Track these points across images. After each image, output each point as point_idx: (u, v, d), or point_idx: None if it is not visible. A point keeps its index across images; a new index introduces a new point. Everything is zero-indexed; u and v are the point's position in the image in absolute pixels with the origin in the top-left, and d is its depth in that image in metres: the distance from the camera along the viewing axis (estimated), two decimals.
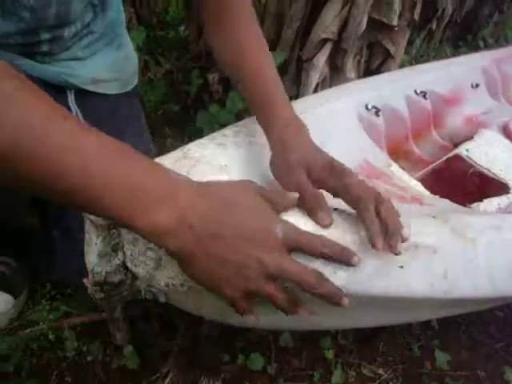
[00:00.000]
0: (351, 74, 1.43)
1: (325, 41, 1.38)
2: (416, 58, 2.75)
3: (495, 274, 0.75)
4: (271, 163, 0.74)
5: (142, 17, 2.33)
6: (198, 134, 1.48)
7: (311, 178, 0.68)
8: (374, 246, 0.60)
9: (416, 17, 1.52)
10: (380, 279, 0.65)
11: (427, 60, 2.74)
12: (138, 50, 1.97)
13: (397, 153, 1.42)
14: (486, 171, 1.32)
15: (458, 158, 1.37)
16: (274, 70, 0.83)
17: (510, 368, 1.13)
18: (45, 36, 0.86)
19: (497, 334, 1.22)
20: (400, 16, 1.43)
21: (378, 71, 1.54)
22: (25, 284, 1.11)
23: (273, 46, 1.47)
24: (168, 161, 0.68)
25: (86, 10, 0.89)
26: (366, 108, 1.21)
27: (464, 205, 1.16)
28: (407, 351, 1.13)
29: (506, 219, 0.81)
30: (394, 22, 1.39)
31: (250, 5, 0.90)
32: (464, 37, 3.04)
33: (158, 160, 0.69)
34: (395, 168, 1.09)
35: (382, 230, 0.60)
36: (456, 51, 2.90)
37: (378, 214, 0.62)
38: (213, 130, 1.50)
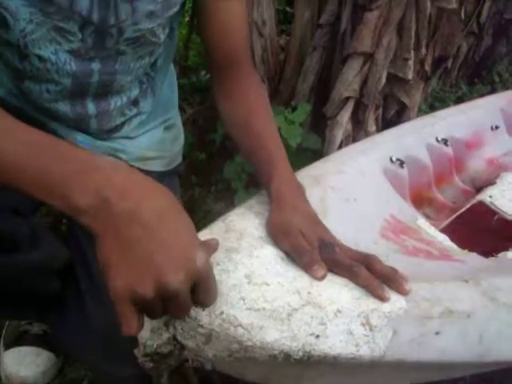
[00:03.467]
0: (372, 127, 1.48)
1: (347, 98, 1.44)
2: (433, 96, 2.79)
3: None
4: (268, 221, 0.77)
5: None
6: (225, 182, 1.53)
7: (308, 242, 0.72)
8: (382, 299, 0.65)
9: (427, 69, 1.57)
10: (417, 346, 0.67)
11: (444, 98, 2.78)
12: None
13: (420, 200, 1.45)
14: (510, 218, 1.34)
15: (481, 205, 1.39)
16: (277, 133, 0.90)
17: None
18: (91, 108, 0.90)
19: None
20: (413, 69, 1.48)
21: (393, 120, 1.58)
22: None
23: (287, 98, 1.53)
24: (210, 235, 0.72)
25: (132, 85, 0.93)
26: (391, 161, 1.25)
27: (491, 254, 1.18)
28: None
29: None
30: (410, 77, 1.45)
31: (254, 68, 0.99)
32: (479, 74, 3.08)
33: (200, 234, 0.72)
34: (422, 222, 1.12)
35: (382, 281, 0.67)
36: (472, 88, 2.94)
37: (372, 271, 0.68)
38: (240, 181, 1.56)
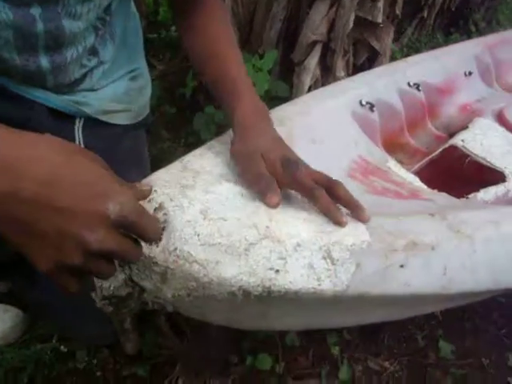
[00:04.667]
0: (341, 73, 1.44)
1: (314, 42, 1.40)
2: (408, 46, 2.76)
3: (495, 267, 0.77)
4: (231, 148, 0.76)
5: None
6: (195, 136, 1.49)
7: (267, 166, 0.71)
8: (339, 224, 0.65)
9: (398, 12, 1.53)
10: (381, 279, 0.66)
11: (420, 48, 2.75)
12: None
13: (393, 146, 1.43)
14: (481, 160, 1.33)
15: (453, 148, 1.38)
16: (241, 61, 0.87)
17: None
18: (44, 62, 0.83)
19: (500, 320, 1.24)
20: (383, 13, 1.44)
21: (365, 68, 1.55)
22: None
23: (256, 47, 1.48)
24: (168, 174, 0.69)
25: (86, 33, 0.87)
26: (361, 104, 1.22)
27: (462, 196, 1.17)
28: (412, 342, 1.15)
29: (503, 213, 0.83)
30: (379, 20, 1.41)
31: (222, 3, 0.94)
32: (456, 23, 3.04)
33: (156, 173, 0.70)
34: (392, 163, 1.11)
35: (348, 205, 0.68)
36: (448, 38, 2.90)
37: (332, 196, 0.67)
38: (210, 132, 1.52)
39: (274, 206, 0.65)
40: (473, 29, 3.03)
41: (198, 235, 0.60)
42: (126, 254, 0.52)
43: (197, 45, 0.91)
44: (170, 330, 1.00)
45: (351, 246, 0.64)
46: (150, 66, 2.25)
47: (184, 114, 1.79)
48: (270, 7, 1.57)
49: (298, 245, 0.62)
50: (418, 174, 1.31)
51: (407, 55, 2.63)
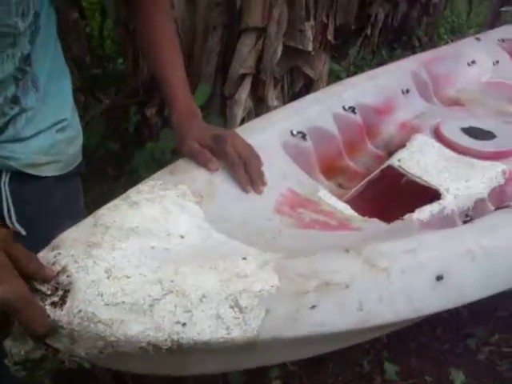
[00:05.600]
0: (274, 102, 1.46)
1: (244, 75, 1.42)
2: (354, 64, 2.82)
3: (413, 295, 0.78)
4: (177, 143, 0.96)
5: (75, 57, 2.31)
6: (135, 174, 1.49)
7: (204, 147, 0.92)
8: (245, 191, 0.93)
9: (330, 38, 1.56)
10: (293, 322, 0.66)
11: (365, 65, 2.81)
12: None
13: (333, 170, 1.45)
14: (417, 179, 1.35)
15: (390, 168, 1.39)
16: (178, 65, 1.02)
17: (455, 369, 1.17)
18: None
19: (443, 336, 1.26)
20: (314, 40, 1.47)
21: (302, 94, 1.58)
22: None
23: (196, 80, 1.49)
24: (78, 231, 0.69)
25: (6, 83, 0.87)
26: (292, 134, 1.24)
27: (398, 217, 1.19)
28: (357, 368, 1.15)
29: (422, 241, 0.84)
30: (310, 48, 1.44)
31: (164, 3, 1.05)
32: (399, 39, 3.12)
33: (66, 232, 0.69)
34: (323, 193, 1.12)
35: (250, 180, 0.93)
36: (392, 54, 2.97)
37: (246, 169, 0.92)
38: (149, 169, 1.52)
39: (215, 171, 0.91)
40: (416, 43, 3.12)
41: (102, 295, 0.60)
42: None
43: (142, 45, 1.08)
44: (111, 380, 0.99)
45: (259, 292, 0.65)
46: (97, 101, 2.26)
47: (128, 149, 1.79)
48: (205, 37, 1.59)
49: (204, 296, 0.63)
50: (358, 197, 1.33)
51: (354, 73, 2.68)
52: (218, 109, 1.50)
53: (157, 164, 1.44)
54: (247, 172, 0.94)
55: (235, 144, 0.93)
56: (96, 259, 0.63)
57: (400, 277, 0.76)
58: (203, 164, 0.92)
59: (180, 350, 0.62)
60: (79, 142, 1.09)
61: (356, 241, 0.91)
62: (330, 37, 1.58)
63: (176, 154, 1.43)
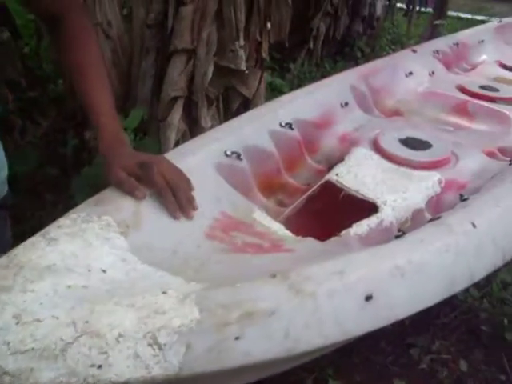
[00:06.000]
0: (208, 123, 1.45)
1: (176, 97, 1.41)
2: (298, 77, 2.84)
3: (342, 318, 0.77)
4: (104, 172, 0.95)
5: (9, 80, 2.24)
6: (71, 200, 1.45)
7: (131, 175, 0.90)
8: (174, 217, 0.91)
9: (265, 56, 1.57)
10: (217, 355, 0.65)
11: (308, 78, 2.84)
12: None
13: (272, 187, 1.44)
14: (355, 193, 1.36)
15: (328, 183, 1.40)
16: (105, 91, 1.00)
17: (398, 380, 1.17)
18: None
19: (387, 348, 1.27)
20: (248, 59, 1.47)
21: (240, 113, 1.57)
22: None
23: (132, 104, 1.47)
24: None
25: None
26: (226, 155, 1.23)
27: (335, 234, 1.19)
28: None
29: (349, 261, 0.84)
30: (243, 67, 1.44)
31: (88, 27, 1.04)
32: (342, 51, 3.17)
33: None
34: (258, 214, 1.11)
35: (179, 206, 0.92)
36: (335, 65, 3.02)
37: (174, 195, 0.91)
38: (85, 195, 1.48)
39: (142, 199, 0.89)
40: (358, 55, 3.18)
41: (8, 343, 0.57)
42: None
43: (64, 61, 1.05)
44: None
45: (179, 327, 0.63)
46: (35, 124, 2.20)
47: (67, 174, 1.74)
48: (140, 59, 1.57)
49: (120, 335, 0.61)
50: (293, 214, 1.33)
51: (298, 86, 2.71)
52: (155, 132, 1.48)
53: (92, 190, 1.41)
54: (176, 198, 0.92)
55: (163, 170, 0.92)
56: (4, 304, 0.61)
57: (327, 300, 0.76)
58: (129, 192, 0.90)
59: None
60: (4, 172, 1.05)
61: (287, 263, 0.90)
62: (264, 54, 1.59)
63: None
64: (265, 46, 1.57)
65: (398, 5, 4.08)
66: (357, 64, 3.05)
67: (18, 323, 0.59)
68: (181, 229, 0.93)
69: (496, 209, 1.07)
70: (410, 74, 2.19)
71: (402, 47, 3.55)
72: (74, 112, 1.97)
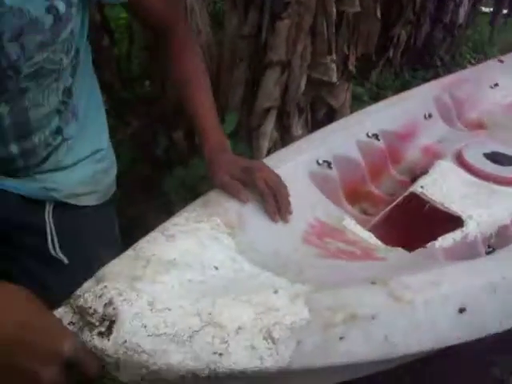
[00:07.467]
0: (298, 132, 1.51)
1: (269, 108, 1.47)
2: (377, 85, 2.85)
3: (436, 327, 0.81)
4: (210, 177, 1.02)
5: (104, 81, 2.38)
6: (165, 199, 1.54)
7: (235, 179, 0.97)
8: (272, 220, 0.97)
9: (351, 68, 1.61)
10: (322, 352, 0.70)
11: (387, 87, 2.84)
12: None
13: (357, 196, 1.48)
14: (440, 206, 1.37)
15: (413, 195, 1.42)
16: (208, 100, 1.09)
17: None
18: (14, 149, 0.90)
19: (467, 362, 1.27)
20: (337, 71, 1.51)
21: (324, 122, 1.62)
22: None
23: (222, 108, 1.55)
24: (120, 265, 0.74)
25: (50, 116, 0.93)
26: (318, 163, 1.28)
27: (421, 245, 1.22)
28: None
29: (444, 273, 0.87)
30: (334, 79, 1.48)
31: (192, 40, 1.13)
32: (421, 59, 3.14)
33: (109, 265, 0.74)
34: (347, 221, 1.15)
35: (278, 209, 0.97)
36: (414, 74, 3.00)
37: (275, 199, 0.97)
38: (178, 194, 1.57)
39: (246, 202, 0.96)
40: (438, 63, 3.14)
41: (146, 327, 0.65)
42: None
43: (171, 72, 1.13)
44: None
45: (291, 324, 0.69)
46: (126, 124, 2.32)
47: (157, 173, 1.84)
48: (231, 68, 1.64)
49: (240, 328, 0.67)
50: (381, 223, 1.36)
51: (376, 95, 2.72)
52: (245, 138, 1.55)
53: (186, 190, 1.49)
54: (276, 202, 0.98)
55: (264, 175, 0.98)
56: (139, 292, 0.68)
57: (424, 309, 0.80)
58: (234, 195, 0.96)
59: (216, 378, 0.66)
60: (114, 171, 1.15)
61: (381, 271, 0.94)
62: (351, 67, 1.63)
63: (206, 181, 1.49)
64: (352, 59, 1.61)
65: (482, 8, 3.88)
66: (437, 73, 3.03)
67: (151, 310, 0.66)
68: (279, 232, 0.99)
69: None
70: (496, 85, 2.15)
71: (485, 55, 3.47)
72: (162, 114, 2.07)
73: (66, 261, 0.98)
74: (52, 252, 0.98)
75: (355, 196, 1.47)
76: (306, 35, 1.43)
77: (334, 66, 1.47)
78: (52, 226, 0.99)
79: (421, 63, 3.16)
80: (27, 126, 0.89)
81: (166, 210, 1.62)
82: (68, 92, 0.97)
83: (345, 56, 1.60)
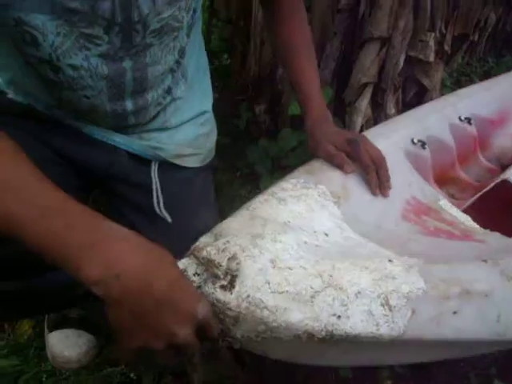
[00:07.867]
0: (392, 110, 1.48)
1: (365, 84, 1.45)
2: (459, 71, 2.75)
3: None
4: (309, 146, 1.04)
5: None
6: (251, 168, 1.56)
7: (339, 150, 0.98)
8: (373, 193, 0.97)
9: (447, 48, 1.56)
10: (435, 325, 0.70)
11: (470, 73, 2.74)
12: None
13: (445, 180, 1.45)
14: None
15: (505, 183, 1.38)
16: (313, 70, 1.09)
17: None
18: (129, 105, 0.93)
19: None
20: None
21: (413, 102, 1.58)
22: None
23: None
24: (237, 222, 0.76)
25: (165, 75, 0.95)
26: (413, 142, 1.26)
27: None
28: (464, 380, 1.16)
29: None
30: (431, 59, 1.45)
31: (302, 7, 1.11)
32: (508, 45, 3.01)
33: (226, 222, 0.76)
34: (443, 202, 1.14)
35: (379, 183, 0.98)
36: (500, 61, 2.88)
37: (377, 173, 0.97)
38: (265, 166, 1.59)
39: (350, 173, 0.96)
40: None
41: (269, 283, 0.66)
42: (194, 350, 0.65)
43: (277, 49, 1.15)
44: (232, 360, 1.06)
45: (407, 293, 0.69)
46: None
47: (238, 144, 1.86)
48: (321, 43, 1.63)
49: (359, 292, 0.68)
50: (470, 209, 1.33)
51: (457, 81, 2.63)
52: (335, 113, 1.53)
53: (272, 161, 1.51)
54: (378, 176, 0.98)
55: (367, 148, 0.98)
56: (261, 249, 0.69)
57: None
58: (340, 166, 0.97)
59: (331, 340, 0.67)
60: (214, 136, 1.17)
61: (483, 252, 0.92)
62: (447, 47, 1.58)
63: (294, 154, 1.49)
64: (448, 39, 1.57)
65: None
66: None
67: (274, 267, 0.68)
68: (380, 207, 0.99)
69: None
70: None
71: None
72: (243, 87, 2.08)
73: (169, 219, 1.01)
74: (156, 209, 1.01)
75: (443, 179, 1.45)
76: (409, 10, 1.39)
77: (432, 44, 1.43)
78: (158, 184, 1.02)
79: (508, 49, 3.03)
80: (144, 83, 0.91)
81: (251, 180, 1.65)
82: (182, 52, 0.98)
83: (441, 36, 1.56)
